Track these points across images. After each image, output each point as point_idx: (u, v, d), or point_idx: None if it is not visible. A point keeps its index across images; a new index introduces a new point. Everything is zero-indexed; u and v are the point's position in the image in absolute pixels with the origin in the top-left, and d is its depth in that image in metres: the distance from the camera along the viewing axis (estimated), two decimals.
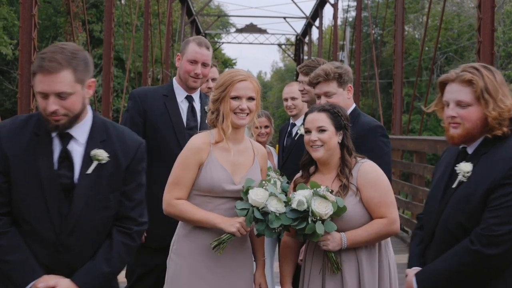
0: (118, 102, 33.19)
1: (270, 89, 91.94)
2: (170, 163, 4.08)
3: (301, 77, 5.62)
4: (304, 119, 4.18)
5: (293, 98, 6.11)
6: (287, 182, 6.03)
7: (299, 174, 4.30)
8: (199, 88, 5.03)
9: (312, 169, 4.21)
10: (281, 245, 4.28)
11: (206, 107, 4.69)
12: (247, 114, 3.90)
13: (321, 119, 4.04)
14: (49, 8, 34.27)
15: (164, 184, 4.01)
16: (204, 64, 4.81)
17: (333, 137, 4.03)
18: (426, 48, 43.10)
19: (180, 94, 4.92)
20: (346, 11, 41.24)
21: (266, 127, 6.43)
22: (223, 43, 54.01)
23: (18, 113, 10.99)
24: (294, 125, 6.17)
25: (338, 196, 3.91)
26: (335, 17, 28.04)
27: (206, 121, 4.15)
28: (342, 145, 4.06)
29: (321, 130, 4.03)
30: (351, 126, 4.24)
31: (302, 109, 6.15)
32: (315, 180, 4.05)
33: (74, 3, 29.52)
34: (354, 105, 4.81)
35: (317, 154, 4.04)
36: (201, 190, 3.87)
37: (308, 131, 4.08)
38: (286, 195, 5.98)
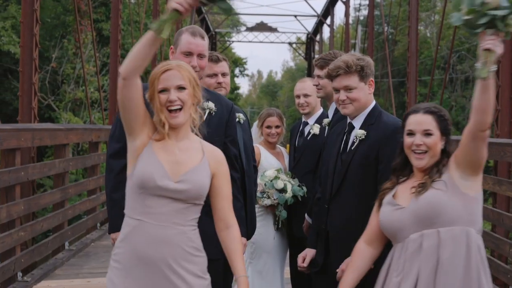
0: None
1: (280, 88, 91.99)
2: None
3: (316, 71, 5.28)
4: (404, 120, 3.69)
5: (305, 95, 5.76)
6: (299, 185, 5.72)
7: (388, 182, 3.77)
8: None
9: (405, 173, 3.73)
10: (354, 251, 3.84)
11: (205, 104, 4.26)
12: (181, 108, 3.36)
13: (428, 121, 3.59)
14: (58, 6, 34.15)
15: None
16: (200, 55, 4.29)
17: (438, 143, 3.59)
18: (438, 47, 42.78)
19: None
20: (358, 9, 40.92)
21: (277, 127, 6.05)
22: (233, 41, 53.80)
23: (19, 112, 10.63)
24: (306, 124, 5.85)
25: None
26: (346, 14, 27.65)
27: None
28: (443, 151, 3.62)
29: (427, 134, 3.58)
30: (373, 125, 4.13)
31: (316, 106, 5.80)
32: (405, 187, 3.65)
33: (83, 1, 29.35)
34: (374, 102, 4.38)
35: (421, 163, 3.58)
36: (136, 186, 3.35)
37: (411, 134, 3.61)
38: (297, 199, 5.66)
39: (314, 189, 5.03)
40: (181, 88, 3.40)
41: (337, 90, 4.29)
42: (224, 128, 4.34)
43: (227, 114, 4.38)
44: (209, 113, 4.29)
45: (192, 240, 3.37)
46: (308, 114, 5.82)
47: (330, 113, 5.32)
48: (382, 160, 4.06)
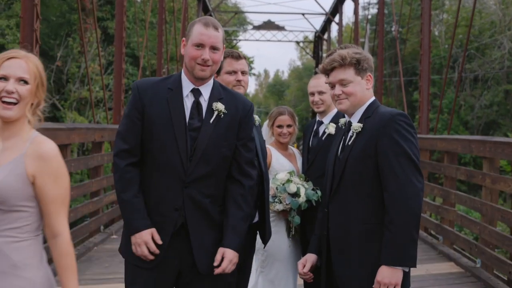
0: None
1: (287, 87, 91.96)
2: (166, 172, 3.81)
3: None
4: None
5: (320, 92, 5.39)
6: (313, 189, 5.33)
7: None
8: (213, 79, 4.05)
9: None
10: None
11: (214, 104, 3.92)
12: (16, 103, 2.97)
13: None
14: (63, 5, 34.05)
15: (160, 197, 3.85)
16: (214, 48, 3.89)
17: None
18: (446, 46, 42.44)
19: (187, 87, 3.97)
20: (367, 8, 40.58)
21: (288, 126, 5.63)
22: (240, 40, 53.48)
23: None
24: (321, 123, 5.47)
25: None
26: (356, 12, 27.27)
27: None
28: None
29: None
30: (369, 117, 3.96)
31: (331, 104, 5.42)
32: None
33: None
34: (373, 98, 4.12)
35: None
36: None
37: None
38: (311, 203, 5.27)
39: None
40: (23, 81, 3.00)
41: (332, 86, 4.06)
42: (236, 131, 3.97)
43: (243, 115, 4.01)
44: (217, 115, 3.92)
45: (7, 255, 2.89)
46: (323, 113, 5.46)
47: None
48: (380, 152, 3.82)
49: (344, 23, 36.41)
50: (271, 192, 5.23)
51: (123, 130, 3.88)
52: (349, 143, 3.98)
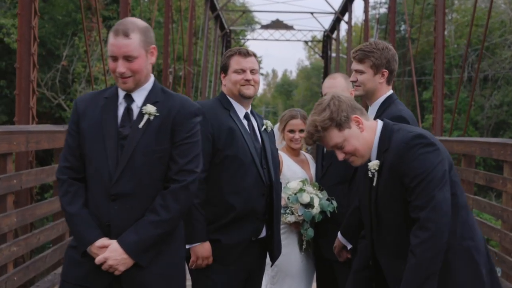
0: None
1: (295, 87, 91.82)
2: (96, 184, 3.57)
3: (354, 65, 4.44)
4: None
5: None
6: (328, 199, 4.88)
7: None
8: (152, 83, 3.70)
9: None
10: None
11: (144, 108, 3.54)
12: None
13: None
14: (69, 4, 33.79)
15: (93, 213, 3.57)
16: (128, 57, 3.51)
17: None
18: (455, 46, 42.03)
19: (121, 95, 3.67)
20: (378, 7, 40.20)
21: (301, 131, 5.14)
22: (248, 39, 53.14)
23: (16, 112, 9.73)
24: None
25: None
26: (366, 10, 26.81)
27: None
28: None
29: None
30: (387, 151, 3.50)
31: None
32: None
33: None
34: (380, 125, 3.63)
35: None
36: None
37: None
38: (326, 215, 4.84)
39: (349, 202, 4.56)
40: None
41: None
42: (168, 135, 3.58)
43: (178, 117, 3.59)
44: (148, 119, 3.56)
45: None
46: None
47: (371, 114, 4.43)
48: (407, 175, 3.40)
49: (352, 22, 35.99)
50: (282, 203, 4.82)
51: (64, 148, 3.70)
52: (374, 184, 3.58)
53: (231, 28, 46.49)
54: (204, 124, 4.02)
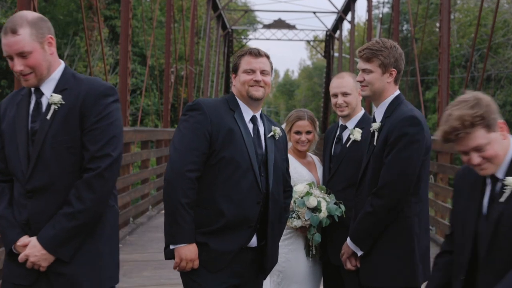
0: (139, 99, 32.44)
1: (297, 87, 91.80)
2: (16, 180, 3.54)
3: (361, 64, 4.26)
4: None
5: (345, 94, 4.76)
6: (336, 202, 4.70)
7: None
8: (62, 70, 3.60)
9: None
10: None
11: (51, 98, 3.45)
12: None
13: None
14: (70, 3, 33.72)
15: (17, 205, 3.56)
16: (20, 54, 3.40)
17: None
18: (458, 45, 41.84)
19: (32, 90, 3.59)
20: (379, 7, 40.05)
21: (308, 132, 4.97)
22: (250, 39, 53.00)
23: None
24: (345, 128, 4.84)
25: None
26: (369, 9, 26.63)
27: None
28: None
29: None
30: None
31: (356, 107, 4.79)
32: None
33: None
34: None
35: None
36: None
37: None
38: (334, 219, 4.66)
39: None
40: None
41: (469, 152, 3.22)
42: (77, 122, 3.48)
43: (86, 101, 3.48)
44: (54, 110, 3.48)
45: None
46: (347, 117, 4.82)
47: (378, 116, 4.29)
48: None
49: (355, 22, 35.84)
50: None
51: None
52: (502, 200, 3.17)
53: (233, 27, 46.34)
54: (203, 121, 3.89)
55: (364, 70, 4.22)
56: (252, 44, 65.82)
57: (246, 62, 4.07)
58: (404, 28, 42.70)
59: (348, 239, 4.33)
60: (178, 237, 3.87)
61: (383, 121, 4.17)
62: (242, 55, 4.12)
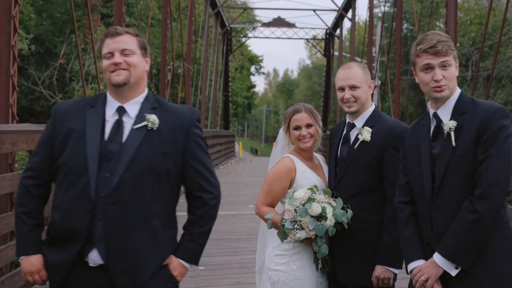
0: None
1: (297, 86, 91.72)
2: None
3: (437, 59, 3.46)
4: None
5: (353, 87, 4.20)
6: (343, 207, 4.15)
7: None
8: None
9: None
10: None
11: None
12: None
13: None
14: (67, 1, 33.57)
15: None
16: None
17: None
18: (458, 44, 41.52)
19: None
20: (383, 5, 39.71)
21: (308, 126, 4.36)
22: (249, 37, 52.62)
23: None
24: (352, 126, 4.26)
25: None
26: (371, 7, 26.18)
27: None
28: None
29: None
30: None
31: (366, 103, 4.23)
32: None
33: None
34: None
35: None
36: None
37: None
38: (342, 226, 4.13)
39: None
40: None
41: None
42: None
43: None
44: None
45: None
46: (356, 114, 4.24)
47: (445, 115, 3.58)
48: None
49: (355, 20, 35.49)
50: (288, 216, 4.08)
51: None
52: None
53: (232, 26, 45.95)
54: (48, 126, 3.54)
55: (443, 65, 3.52)
56: (251, 42, 65.33)
57: (105, 46, 3.51)
58: (404, 27, 42.36)
59: (436, 257, 3.51)
60: (18, 248, 3.55)
61: (457, 119, 3.51)
62: (102, 39, 3.55)
